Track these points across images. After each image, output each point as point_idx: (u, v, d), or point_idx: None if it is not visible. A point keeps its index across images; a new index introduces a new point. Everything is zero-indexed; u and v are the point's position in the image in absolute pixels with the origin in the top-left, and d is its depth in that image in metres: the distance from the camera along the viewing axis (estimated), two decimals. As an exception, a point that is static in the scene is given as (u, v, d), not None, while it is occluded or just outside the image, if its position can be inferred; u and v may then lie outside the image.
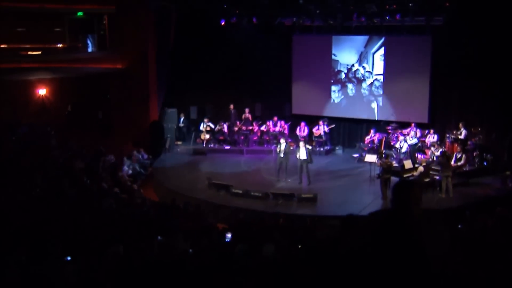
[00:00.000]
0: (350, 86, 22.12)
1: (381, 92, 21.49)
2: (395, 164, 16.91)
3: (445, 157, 16.42)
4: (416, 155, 18.55)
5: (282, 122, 21.76)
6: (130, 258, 7.52)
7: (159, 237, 9.32)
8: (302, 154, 17.47)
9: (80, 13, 23.23)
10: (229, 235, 10.52)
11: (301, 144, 17.83)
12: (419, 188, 4.01)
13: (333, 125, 21.55)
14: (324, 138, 21.27)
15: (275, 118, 21.84)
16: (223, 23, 21.96)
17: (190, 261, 7.97)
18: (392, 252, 3.74)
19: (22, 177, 13.49)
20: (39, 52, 22.61)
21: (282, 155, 18.00)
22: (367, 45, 21.43)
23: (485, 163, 17.93)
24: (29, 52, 22.51)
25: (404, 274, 3.70)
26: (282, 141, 18.30)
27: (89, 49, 23.68)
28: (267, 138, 21.76)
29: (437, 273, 3.82)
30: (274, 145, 19.77)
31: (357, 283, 3.93)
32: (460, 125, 18.55)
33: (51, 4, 21.63)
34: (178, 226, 11.03)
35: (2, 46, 22.73)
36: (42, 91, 24.37)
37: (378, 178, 16.54)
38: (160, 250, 8.43)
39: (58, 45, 24.29)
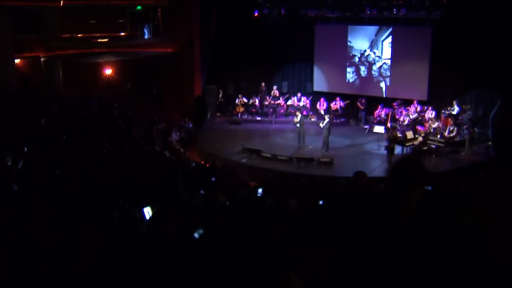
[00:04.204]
0: (362, 68, 21.66)
1: (389, 74, 21.04)
2: (399, 134, 16.63)
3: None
4: (416, 127, 18.25)
5: (305, 98, 21.41)
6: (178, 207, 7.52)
7: (201, 191, 9.34)
8: (324, 124, 17.27)
9: (139, 7, 23.45)
10: (260, 190, 10.50)
11: (326, 116, 17.65)
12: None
13: (348, 101, 21.21)
14: (340, 111, 20.98)
15: (299, 94, 21.52)
16: (256, 14, 21.65)
17: (227, 210, 7.99)
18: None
19: (93, 140, 13.63)
20: (107, 40, 22.89)
21: (298, 125, 17.86)
22: (377, 34, 20.91)
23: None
24: (99, 40, 22.82)
25: None
26: (298, 113, 18.14)
27: (146, 36, 23.83)
28: (292, 111, 21.55)
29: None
30: (292, 116, 19.51)
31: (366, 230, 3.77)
32: (454, 102, 18.18)
33: (116, 0, 22.06)
34: (217, 183, 11.03)
35: (79, 35, 23.10)
36: (108, 71, 24.59)
37: (385, 149, 16.23)
38: (203, 202, 8.46)
39: (121, 34, 24.51)
